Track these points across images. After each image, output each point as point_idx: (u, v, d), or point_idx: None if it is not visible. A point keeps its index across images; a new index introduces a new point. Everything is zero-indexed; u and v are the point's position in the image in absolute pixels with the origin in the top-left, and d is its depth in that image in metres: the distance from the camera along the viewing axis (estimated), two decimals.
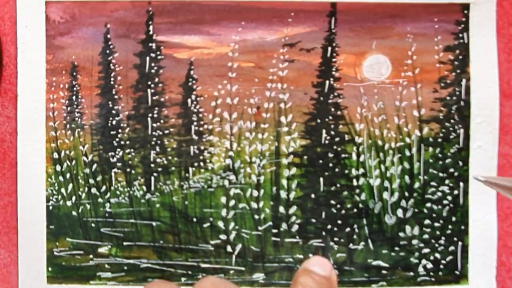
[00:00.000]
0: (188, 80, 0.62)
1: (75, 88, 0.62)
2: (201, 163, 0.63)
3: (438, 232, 0.63)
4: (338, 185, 0.63)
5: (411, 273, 0.63)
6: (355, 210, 0.63)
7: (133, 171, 0.62)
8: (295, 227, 0.63)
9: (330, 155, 0.63)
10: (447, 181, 0.63)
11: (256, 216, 0.63)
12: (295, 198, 0.63)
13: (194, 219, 0.63)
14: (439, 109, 0.62)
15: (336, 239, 0.63)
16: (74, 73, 0.62)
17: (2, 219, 0.62)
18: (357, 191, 0.63)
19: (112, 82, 0.62)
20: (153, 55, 0.62)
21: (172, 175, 0.63)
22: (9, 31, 0.61)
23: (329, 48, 0.63)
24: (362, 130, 0.62)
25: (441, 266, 0.63)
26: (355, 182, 0.63)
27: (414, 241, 0.63)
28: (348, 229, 0.63)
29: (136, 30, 0.62)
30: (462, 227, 0.63)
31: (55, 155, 0.62)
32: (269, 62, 0.62)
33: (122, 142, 0.62)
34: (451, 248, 0.63)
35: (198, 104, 0.62)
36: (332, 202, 0.63)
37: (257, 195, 0.63)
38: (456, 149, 0.62)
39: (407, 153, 0.63)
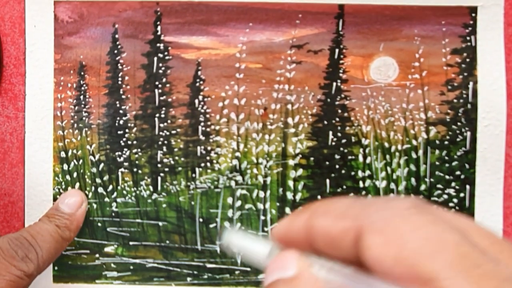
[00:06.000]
0: (195, 81, 0.62)
1: (82, 88, 0.62)
2: (208, 164, 0.63)
3: None
4: (344, 187, 0.63)
5: None
6: None
7: (140, 171, 0.63)
8: None
9: (337, 156, 0.63)
10: (453, 184, 0.63)
11: (262, 217, 0.63)
12: (301, 199, 0.63)
13: (200, 220, 0.63)
14: (446, 111, 0.62)
15: None
16: (82, 73, 0.62)
17: (2, 219, 0.63)
18: (363, 192, 0.63)
19: (119, 82, 0.62)
20: (160, 55, 0.62)
21: (179, 175, 0.63)
22: (9, 31, 0.61)
23: (337, 50, 0.63)
24: (368, 132, 0.63)
25: None
26: (361, 184, 0.63)
27: None
28: None
29: (144, 30, 0.62)
30: None
31: (63, 154, 0.62)
32: (277, 64, 0.62)
33: (129, 142, 0.62)
34: None
35: (206, 105, 0.62)
36: None
37: (264, 196, 0.63)
38: (463, 151, 0.62)
39: (414, 155, 0.63)
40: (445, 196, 0.63)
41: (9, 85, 0.62)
